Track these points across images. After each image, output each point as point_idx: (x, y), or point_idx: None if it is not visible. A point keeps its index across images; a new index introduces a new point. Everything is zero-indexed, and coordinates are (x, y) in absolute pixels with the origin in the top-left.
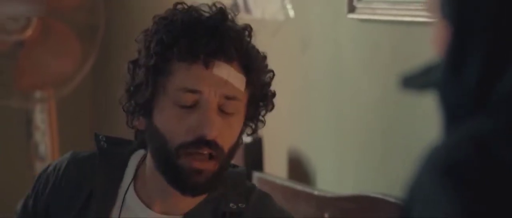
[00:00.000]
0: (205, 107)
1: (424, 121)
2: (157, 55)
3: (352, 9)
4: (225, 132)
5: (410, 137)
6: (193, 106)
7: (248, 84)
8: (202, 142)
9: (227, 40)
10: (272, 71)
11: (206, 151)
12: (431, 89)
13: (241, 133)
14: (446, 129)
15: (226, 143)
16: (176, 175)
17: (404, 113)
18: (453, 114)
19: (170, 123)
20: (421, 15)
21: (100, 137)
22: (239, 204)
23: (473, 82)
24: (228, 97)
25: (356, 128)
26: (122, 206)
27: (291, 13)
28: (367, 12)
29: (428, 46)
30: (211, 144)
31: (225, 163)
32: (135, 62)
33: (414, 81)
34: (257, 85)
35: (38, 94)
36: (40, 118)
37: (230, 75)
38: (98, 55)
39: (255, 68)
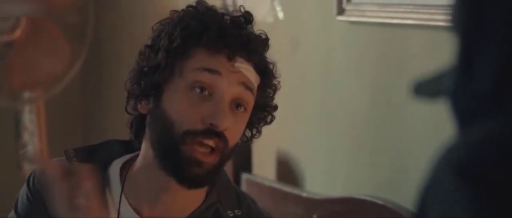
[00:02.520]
0: (220, 98)
1: (413, 123)
2: (182, 39)
3: (341, 11)
4: (233, 128)
5: (399, 139)
6: (208, 95)
7: (259, 88)
8: (212, 132)
9: (252, 40)
10: (277, 85)
11: (212, 143)
12: (442, 96)
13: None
14: (460, 133)
15: (231, 139)
16: (176, 163)
17: (393, 115)
18: (465, 119)
19: (181, 107)
20: (410, 18)
21: (70, 152)
22: (235, 211)
23: (486, 86)
24: (246, 86)
25: (345, 130)
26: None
27: (281, 15)
28: (356, 15)
29: (416, 48)
30: (220, 136)
31: (225, 160)
32: (151, 47)
33: (426, 89)
34: (266, 92)
35: (26, 94)
36: (29, 119)
37: (249, 72)
38: (87, 55)
39: (269, 75)
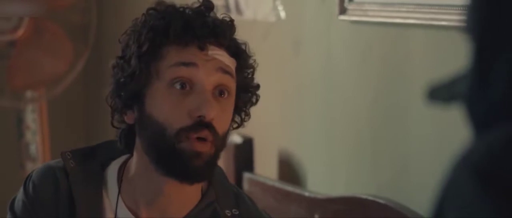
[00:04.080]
0: (202, 88)
1: (415, 122)
2: (150, 41)
3: (343, 10)
4: (220, 116)
5: (401, 138)
6: (189, 89)
7: (237, 70)
8: (201, 125)
9: (219, 26)
10: (255, 62)
11: (204, 134)
12: (457, 101)
13: (231, 122)
14: (478, 136)
15: (220, 127)
16: (176, 161)
17: (395, 114)
18: (482, 125)
19: (165, 107)
20: (412, 17)
21: (67, 154)
22: (233, 210)
23: (502, 91)
24: (224, 71)
25: (347, 130)
26: None
27: (283, 14)
28: (358, 14)
29: (419, 48)
30: (210, 126)
31: (220, 149)
32: (122, 57)
33: (440, 94)
34: (245, 72)
35: (29, 94)
36: (31, 118)
37: (224, 57)
38: (90, 55)
39: (243, 55)
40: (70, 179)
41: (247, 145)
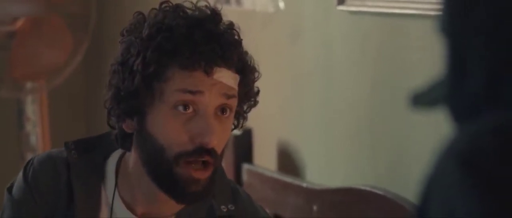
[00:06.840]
0: (204, 113)
1: (413, 114)
2: (155, 63)
3: (342, 1)
4: (220, 136)
5: (399, 129)
6: (192, 112)
7: (241, 83)
8: (202, 151)
9: (227, 47)
10: (258, 71)
11: (206, 158)
12: (439, 104)
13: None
14: (459, 129)
15: (220, 147)
16: (173, 184)
17: (393, 105)
18: (462, 119)
19: (167, 130)
20: (411, 8)
21: (70, 145)
22: (229, 206)
23: (479, 83)
24: (228, 96)
25: (345, 121)
26: (111, 215)
27: (282, 5)
28: (357, 4)
29: (417, 38)
30: (211, 152)
31: (218, 166)
32: (123, 64)
33: (423, 98)
34: (247, 85)
35: (29, 85)
36: (31, 109)
37: (229, 79)
38: (90, 46)
39: (247, 70)
40: (71, 171)
41: (246, 136)
